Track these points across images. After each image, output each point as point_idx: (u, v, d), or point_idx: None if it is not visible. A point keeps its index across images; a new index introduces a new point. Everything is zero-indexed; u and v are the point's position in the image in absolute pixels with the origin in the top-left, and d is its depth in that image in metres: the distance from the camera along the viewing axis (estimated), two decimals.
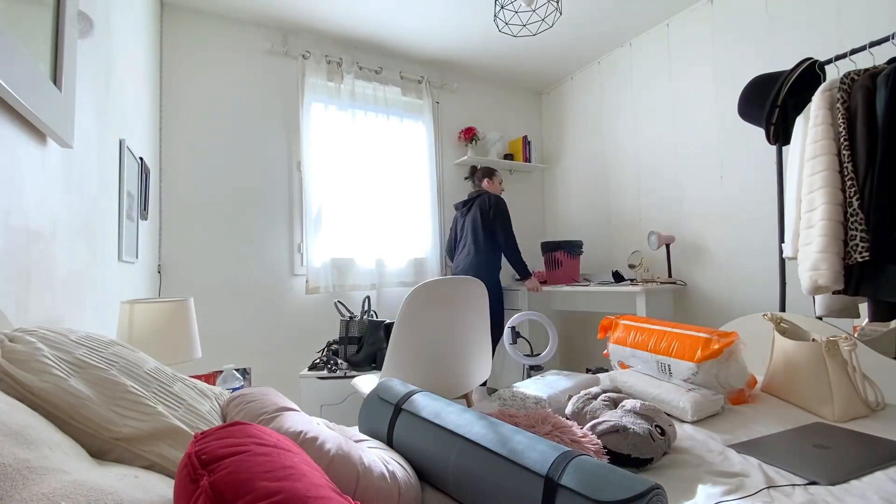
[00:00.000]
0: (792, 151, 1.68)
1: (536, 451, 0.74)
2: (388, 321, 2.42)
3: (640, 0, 2.76)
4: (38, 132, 0.92)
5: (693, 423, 1.25)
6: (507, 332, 2.25)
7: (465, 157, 3.53)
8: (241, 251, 2.81)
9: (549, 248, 3.24)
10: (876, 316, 1.45)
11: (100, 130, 1.39)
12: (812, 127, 1.50)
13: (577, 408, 1.21)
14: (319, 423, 0.84)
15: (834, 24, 2.15)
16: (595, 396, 1.23)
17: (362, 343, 2.35)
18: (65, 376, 0.63)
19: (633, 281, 2.85)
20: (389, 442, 0.94)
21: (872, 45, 1.65)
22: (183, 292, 2.62)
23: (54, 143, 1.01)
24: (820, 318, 1.69)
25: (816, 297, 1.63)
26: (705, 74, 2.75)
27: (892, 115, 1.33)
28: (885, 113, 1.34)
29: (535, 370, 2.67)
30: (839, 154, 1.43)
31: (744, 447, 1.07)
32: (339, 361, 2.28)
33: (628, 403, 1.12)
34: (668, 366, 1.45)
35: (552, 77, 3.82)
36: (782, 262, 2.00)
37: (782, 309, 2.02)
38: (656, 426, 1.04)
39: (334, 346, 2.42)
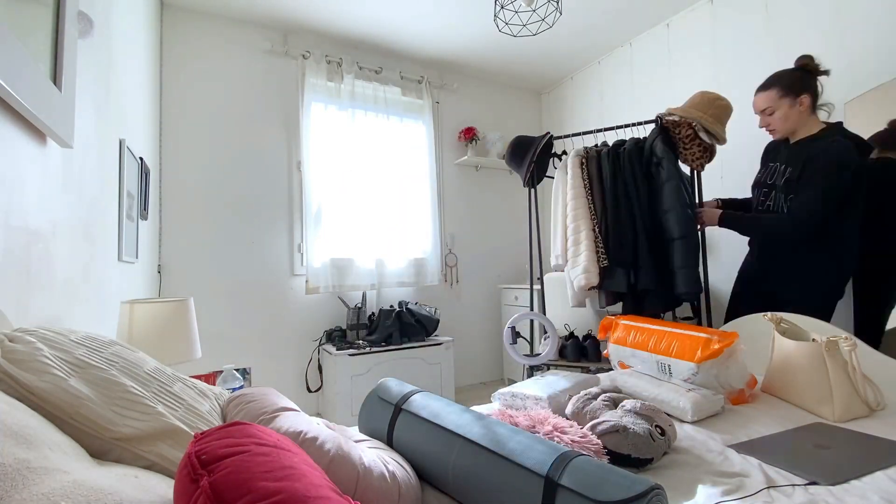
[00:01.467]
0: (555, 191, 2.33)
1: (536, 452, 0.74)
2: (396, 309, 2.95)
3: (640, 0, 2.76)
4: (38, 132, 0.92)
5: (693, 423, 1.25)
6: (506, 331, 2.25)
7: (465, 157, 3.53)
8: (241, 251, 2.81)
9: None
10: (606, 302, 2.19)
11: (100, 130, 1.39)
12: (570, 178, 2.23)
13: (577, 408, 1.21)
14: (319, 424, 0.84)
15: (834, 24, 2.15)
16: (595, 396, 1.23)
17: (372, 328, 2.94)
18: (65, 376, 0.63)
19: None
20: (389, 442, 0.94)
21: (600, 130, 2.41)
22: (183, 292, 2.62)
23: (54, 143, 1.01)
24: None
25: (578, 292, 2.17)
26: (705, 74, 2.75)
27: (612, 180, 2.14)
28: (608, 178, 2.14)
29: (535, 370, 2.67)
30: (587, 198, 2.18)
31: (744, 447, 1.07)
32: (360, 342, 2.80)
33: (628, 403, 1.12)
34: (668, 366, 1.45)
35: (552, 77, 3.82)
36: None
37: None
38: (656, 426, 1.04)
39: (342, 330, 2.96)
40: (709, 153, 2.05)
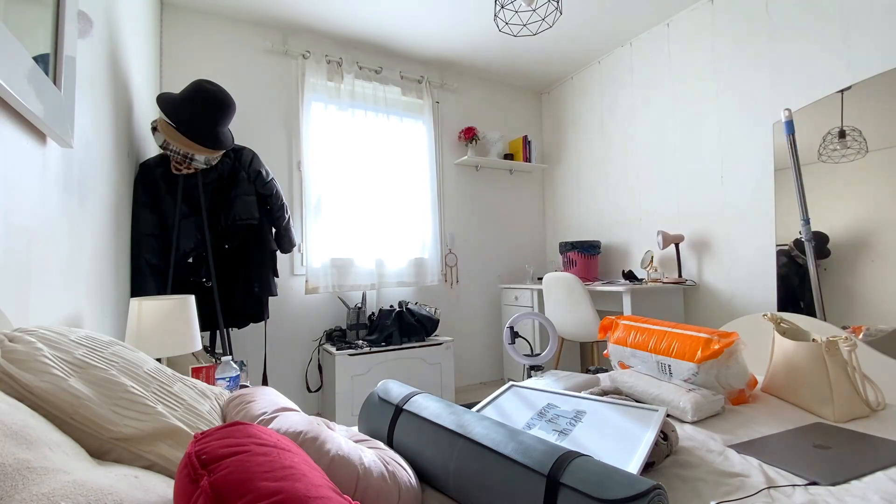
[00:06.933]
0: None
1: (538, 451, 0.74)
2: (397, 309, 2.96)
3: (640, 0, 2.76)
4: (38, 132, 0.92)
5: (693, 423, 1.25)
6: (506, 332, 2.26)
7: (465, 157, 3.53)
8: None
9: (564, 248, 3.32)
10: None
11: (100, 130, 1.39)
12: None
13: None
14: (319, 424, 0.84)
15: (835, 23, 2.15)
16: None
17: (372, 328, 2.96)
18: (64, 376, 0.63)
19: (642, 280, 2.86)
20: (390, 442, 0.94)
21: None
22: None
23: (54, 143, 1.00)
24: None
25: None
26: (705, 74, 2.75)
27: None
28: None
29: (535, 370, 2.67)
30: None
31: (744, 447, 1.07)
32: (360, 342, 2.80)
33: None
34: (669, 366, 1.45)
35: (552, 77, 3.82)
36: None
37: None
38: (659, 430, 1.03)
39: (342, 330, 2.98)
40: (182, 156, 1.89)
